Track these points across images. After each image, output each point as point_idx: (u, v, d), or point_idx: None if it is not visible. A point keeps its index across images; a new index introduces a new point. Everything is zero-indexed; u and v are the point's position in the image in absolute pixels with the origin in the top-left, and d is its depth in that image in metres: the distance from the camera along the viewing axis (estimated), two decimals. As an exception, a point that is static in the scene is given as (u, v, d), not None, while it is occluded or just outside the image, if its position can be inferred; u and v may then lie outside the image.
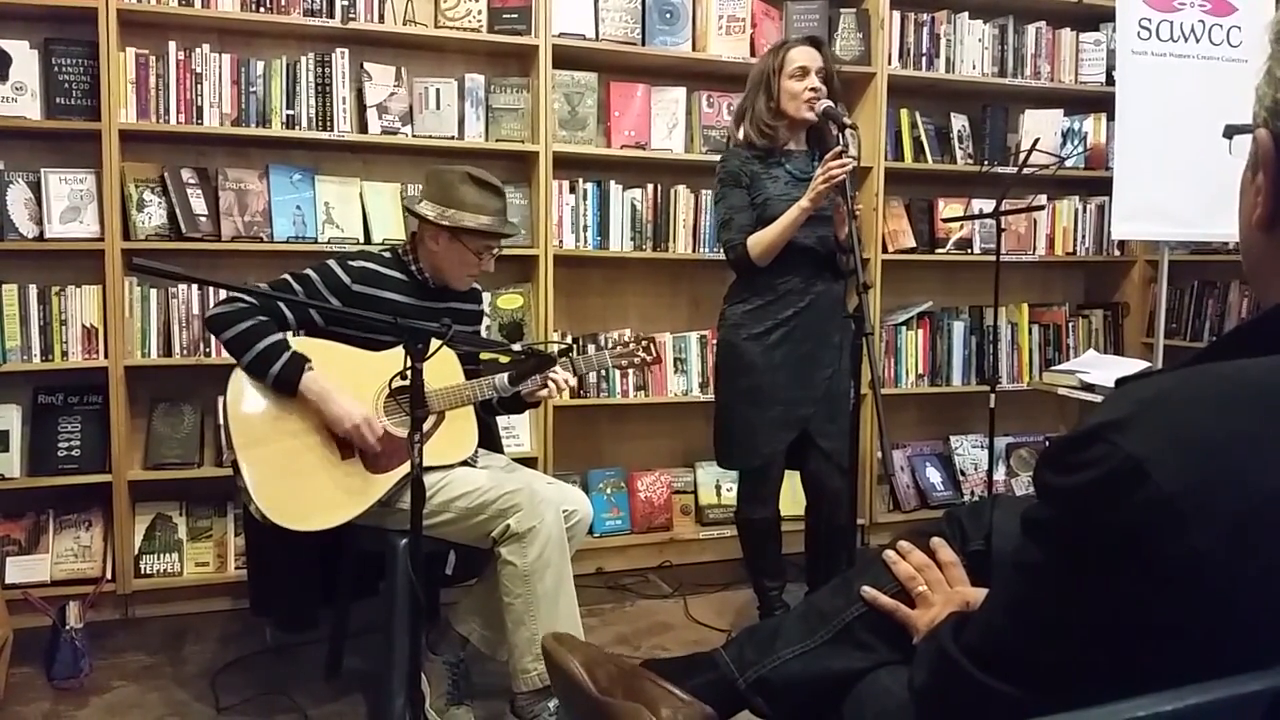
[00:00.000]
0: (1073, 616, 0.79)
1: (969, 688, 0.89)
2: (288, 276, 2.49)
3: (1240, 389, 0.76)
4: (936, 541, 1.41)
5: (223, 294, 2.55)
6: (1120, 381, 0.84)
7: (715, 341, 3.11)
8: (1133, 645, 0.76)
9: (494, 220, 2.53)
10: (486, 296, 3.35)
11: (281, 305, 2.44)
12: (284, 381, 2.35)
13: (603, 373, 3.70)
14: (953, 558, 1.39)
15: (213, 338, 3.21)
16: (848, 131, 2.75)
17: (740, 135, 2.98)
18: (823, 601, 1.47)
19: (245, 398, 2.40)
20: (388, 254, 2.64)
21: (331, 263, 2.53)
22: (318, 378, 2.37)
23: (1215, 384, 0.77)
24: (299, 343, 2.46)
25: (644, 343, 2.65)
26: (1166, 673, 0.72)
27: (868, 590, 1.39)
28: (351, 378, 2.42)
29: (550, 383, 2.50)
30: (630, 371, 3.71)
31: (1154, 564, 0.72)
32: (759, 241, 2.83)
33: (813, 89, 2.83)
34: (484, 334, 3.10)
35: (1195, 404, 0.76)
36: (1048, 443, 4.51)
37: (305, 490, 2.36)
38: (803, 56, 2.87)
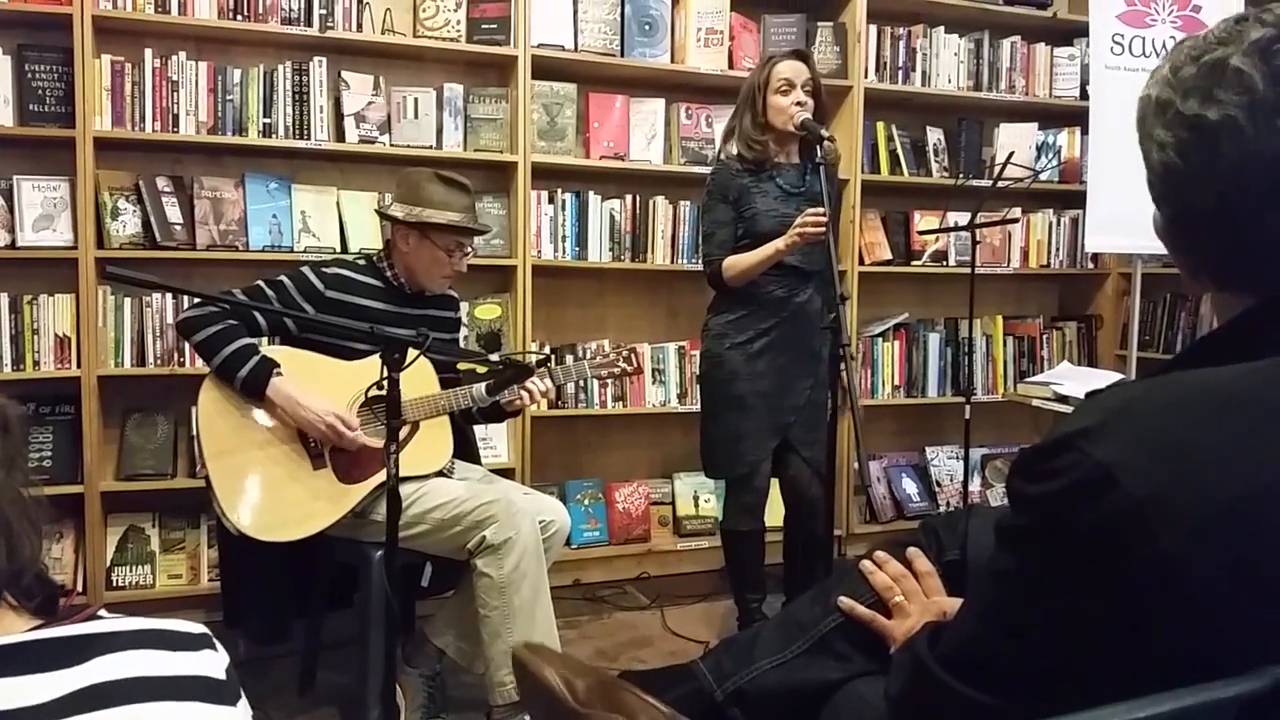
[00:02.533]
0: (1047, 623, 0.80)
1: (945, 696, 0.90)
2: (261, 283, 2.48)
3: (1207, 396, 0.77)
4: (913, 551, 1.42)
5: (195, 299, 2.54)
6: (1091, 394, 0.85)
7: (698, 352, 3.12)
8: (1106, 651, 0.76)
9: (462, 216, 2.54)
10: (464, 306, 3.34)
11: (254, 311, 2.43)
12: (251, 385, 2.34)
13: (581, 383, 3.69)
14: (929, 568, 1.39)
15: (186, 345, 3.19)
16: (825, 144, 2.78)
17: (732, 150, 3.01)
18: (800, 612, 1.47)
19: (217, 407, 2.38)
20: (362, 261, 2.64)
21: (305, 269, 2.52)
22: (286, 383, 2.36)
23: (1183, 391, 0.79)
24: (272, 350, 2.45)
25: (625, 352, 2.65)
26: (1141, 678, 0.72)
27: (844, 600, 1.39)
28: (325, 387, 2.41)
29: (526, 391, 2.49)
30: (609, 382, 3.71)
31: (1125, 569, 0.73)
32: (734, 265, 2.88)
33: (798, 103, 2.85)
34: (461, 343, 3.09)
35: (1163, 411, 0.77)
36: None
37: (277, 501, 2.35)
38: (789, 70, 2.89)
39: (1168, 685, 0.72)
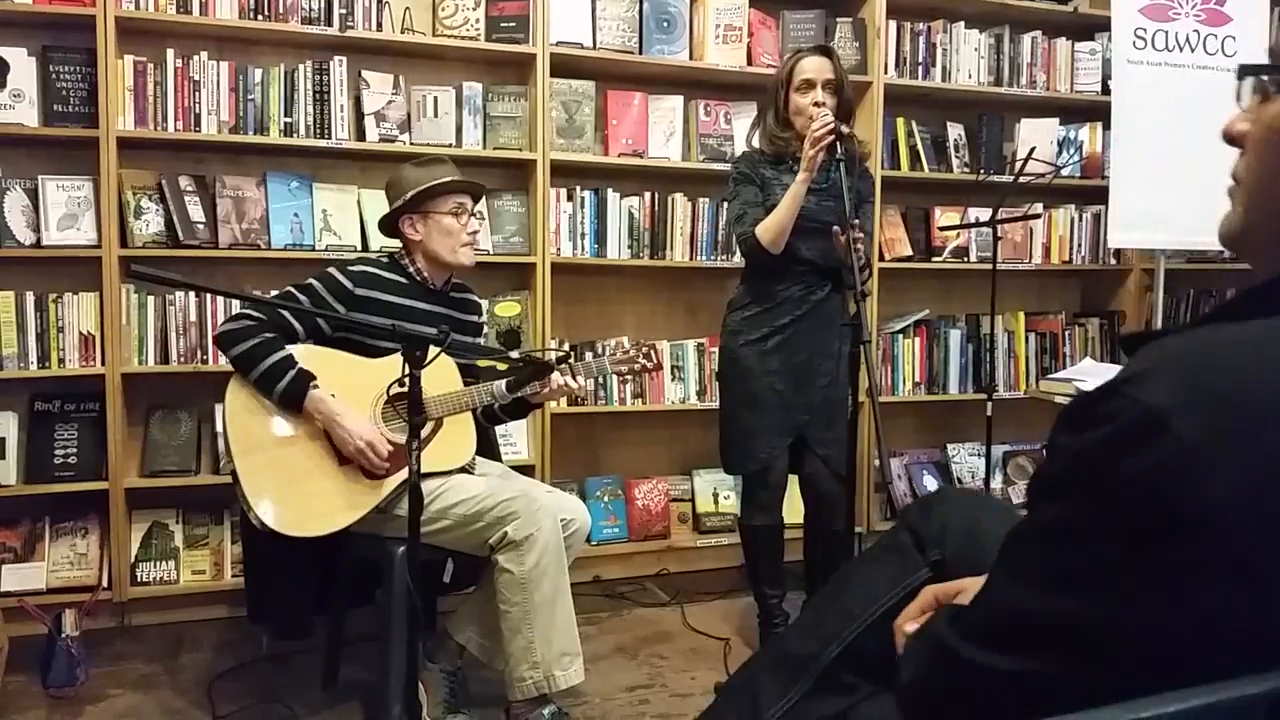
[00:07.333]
0: (1088, 572, 0.77)
1: (968, 670, 0.87)
2: (291, 288, 2.51)
3: (1262, 346, 0.75)
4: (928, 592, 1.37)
5: (235, 307, 2.57)
6: (1129, 337, 0.83)
7: (717, 348, 3.12)
8: (1148, 604, 0.74)
9: (447, 171, 2.59)
10: (483, 304, 3.35)
11: (288, 317, 2.45)
12: (289, 399, 2.37)
13: (600, 380, 3.69)
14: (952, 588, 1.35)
15: (212, 348, 3.22)
16: (848, 142, 2.76)
17: (755, 142, 3.03)
18: (794, 646, 1.40)
19: (244, 404, 2.40)
20: (385, 259, 2.66)
21: (332, 269, 2.55)
22: (324, 397, 2.38)
23: (1236, 341, 0.77)
24: (301, 350, 2.45)
25: (645, 349, 2.65)
26: (1181, 631, 0.71)
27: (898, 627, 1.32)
28: (351, 385, 2.42)
29: (553, 385, 2.49)
30: (629, 379, 3.71)
31: (1173, 514, 0.71)
32: (767, 227, 2.80)
33: (817, 103, 2.82)
34: (482, 343, 3.10)
35: (1216, 359, 0.75)
36: (1044, 451, 4.48)
37: (303, 496, 2.36)
38: (810, 68, 2.86)
39: (1211, 644, 0.71)
